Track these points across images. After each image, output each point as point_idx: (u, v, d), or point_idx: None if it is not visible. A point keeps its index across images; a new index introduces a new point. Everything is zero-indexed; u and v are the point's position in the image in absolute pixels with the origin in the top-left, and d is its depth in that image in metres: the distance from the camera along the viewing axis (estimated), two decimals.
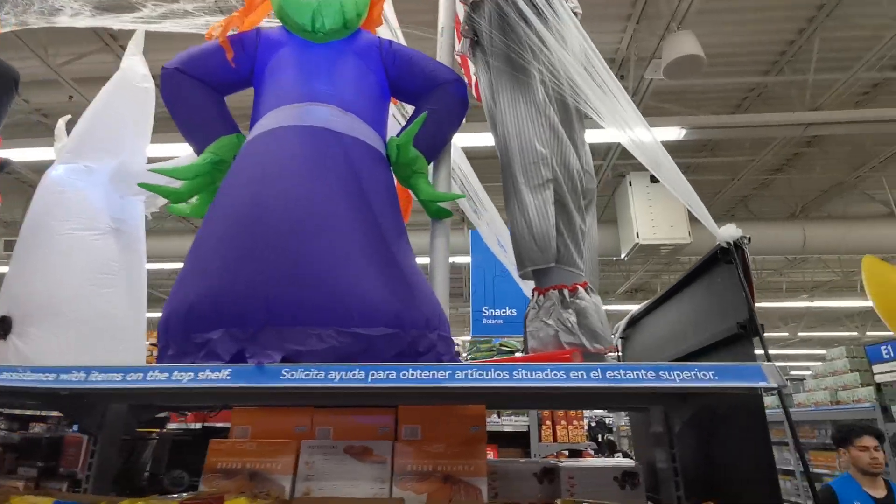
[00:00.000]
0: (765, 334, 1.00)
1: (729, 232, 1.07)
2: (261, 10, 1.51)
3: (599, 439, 13.77)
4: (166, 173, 1.31)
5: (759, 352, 1.00)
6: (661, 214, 6.24)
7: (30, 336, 1.55)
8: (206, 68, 1.39)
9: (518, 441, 3.90)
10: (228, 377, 0.86)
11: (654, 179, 6.39)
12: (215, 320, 0.99)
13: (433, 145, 1.43)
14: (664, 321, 1.50)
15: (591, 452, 4.04)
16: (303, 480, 1.16)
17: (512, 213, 1.34)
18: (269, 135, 1.23)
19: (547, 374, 0.81)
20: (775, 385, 0.81)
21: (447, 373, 0.85)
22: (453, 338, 1.27)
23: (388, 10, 2.14)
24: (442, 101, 1.43)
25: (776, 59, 5.79)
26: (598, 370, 0.82)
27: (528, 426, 3.84)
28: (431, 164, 1.51)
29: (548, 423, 3.83)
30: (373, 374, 0.86)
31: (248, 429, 1.50)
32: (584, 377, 0.81)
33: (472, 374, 0.85)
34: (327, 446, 1.38)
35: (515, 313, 6.51)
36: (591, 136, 6.28)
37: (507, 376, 0.84)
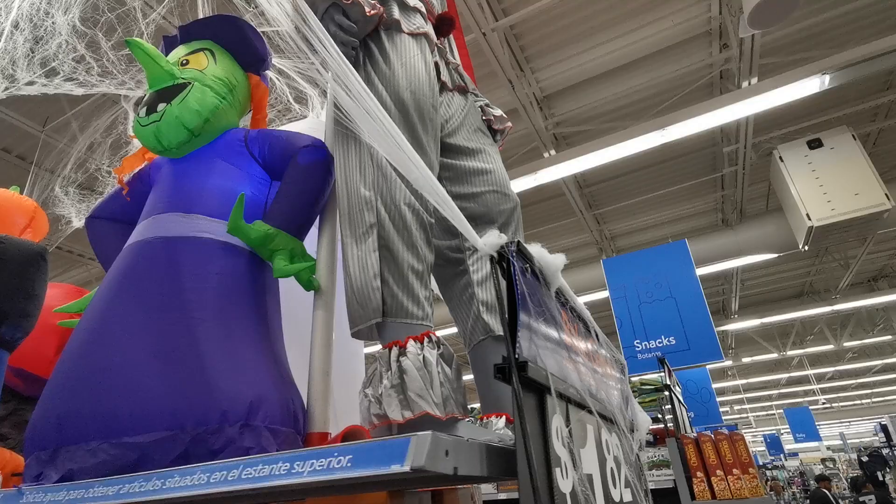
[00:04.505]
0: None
1: (491, 240, 0.80)
2: None
3: (880, 478, 10.75)
4: (66, 310, 1.49)
5: None
6: (836, 183, 4.93)
7: None
8: (111, 209, 1.59)
9: (668, 498, 3.25)
10: None
11: (813, 144, 5.15)
12: (31, 445, 1.06)
13: (296, 218, 1.37)
14: None
15: None
16: None
17: (343, 274, 1.20)
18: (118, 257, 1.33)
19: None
20: (408, 468, 0.54)
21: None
22: None
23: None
24: (293, 172, 1.38)
25: None
26: (224, 471, 0.65)
27: (674, 481, 3.17)
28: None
29: (699, 474, 3.12)
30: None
31: None
32: (202, 481, 0.65)
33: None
34: None
35: (674, 341, 5.69)
36: (714, 118, 5.39)
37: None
